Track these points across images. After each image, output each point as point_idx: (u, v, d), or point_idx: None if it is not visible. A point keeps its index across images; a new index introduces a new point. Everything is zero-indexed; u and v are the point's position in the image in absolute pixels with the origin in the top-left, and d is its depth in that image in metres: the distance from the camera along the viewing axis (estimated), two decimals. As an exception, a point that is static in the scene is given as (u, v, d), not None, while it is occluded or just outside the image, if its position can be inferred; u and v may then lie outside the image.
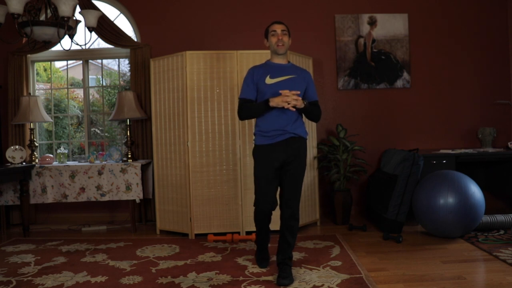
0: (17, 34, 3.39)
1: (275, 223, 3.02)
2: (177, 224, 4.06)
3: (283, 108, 2.67)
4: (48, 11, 3.52)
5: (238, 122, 3.93)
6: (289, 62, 2.90)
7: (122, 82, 5.57)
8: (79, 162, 4.59)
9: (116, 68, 6.67)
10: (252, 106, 2.79)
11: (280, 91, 2.66)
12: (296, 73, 2.83)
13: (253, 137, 2.93)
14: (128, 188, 4.25)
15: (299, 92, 2.67)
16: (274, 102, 2.64)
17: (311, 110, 2.79)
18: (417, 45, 4.84)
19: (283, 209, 2.78)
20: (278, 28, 2.80)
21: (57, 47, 4.61)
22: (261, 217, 2.82)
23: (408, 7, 4.84)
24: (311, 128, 4.28)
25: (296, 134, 2.77)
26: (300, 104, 2.65)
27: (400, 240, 3.54)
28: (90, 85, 5.11)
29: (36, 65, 5.14)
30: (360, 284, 2.62)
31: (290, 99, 2.61)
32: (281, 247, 2.80)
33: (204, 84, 3.95)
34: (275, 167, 2.74)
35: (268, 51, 2.96)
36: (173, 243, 3.76)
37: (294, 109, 2.66)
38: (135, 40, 4.84)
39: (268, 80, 2.76)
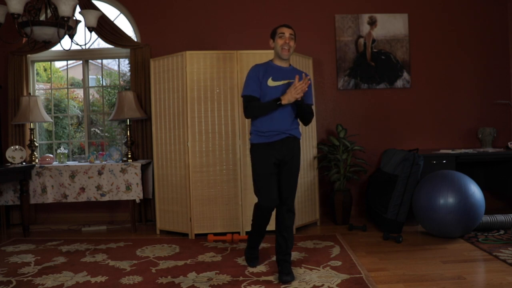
0: (17, 34, 3.39)
1: (271, 224, 3.01)
2: (177, 224, 4.06)
3: (281, 109, 2.73)
4: (48, 11, 3.52)
5: (238, 122, 3.93)
6: (290, 65, 2.92)
7: (122, 82, 5.57)
8: (79, 162, 4.59)
9: (116, 68, 6.67)
10: (261, 105, 2.74)
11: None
12: None
13: (249, 136, 2.95)
14: (128, 188, 4.25)
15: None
16: (286, 99, 2.66)
17: (304, 108, 2.82)
18: (417, 45, 4.84)
19: (281, 205, 2.82)
20: (287, 32, 2.79)
21: (57, 47, 4.61)
22: (264, 213, 2.81)
23: (408, 7, 4.83)
24: (311, 128, 4.29)
25: (291, 134, 2.82)
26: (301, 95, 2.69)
27: (400, 240, 3.54)
28: (90, 85, 5.11)
29: (36, 65, 5.13)
30: (360, 284, 2.62)
31: (300, 88, 2.63)
32: (280, 244, 2.82)
33: (204, 84, 3.95)
34: (273, 162, 2.77)
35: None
36: (173, 243, 3.76)
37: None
38: (135, 40, 4.84)
39: (271, 82, 2.77)
